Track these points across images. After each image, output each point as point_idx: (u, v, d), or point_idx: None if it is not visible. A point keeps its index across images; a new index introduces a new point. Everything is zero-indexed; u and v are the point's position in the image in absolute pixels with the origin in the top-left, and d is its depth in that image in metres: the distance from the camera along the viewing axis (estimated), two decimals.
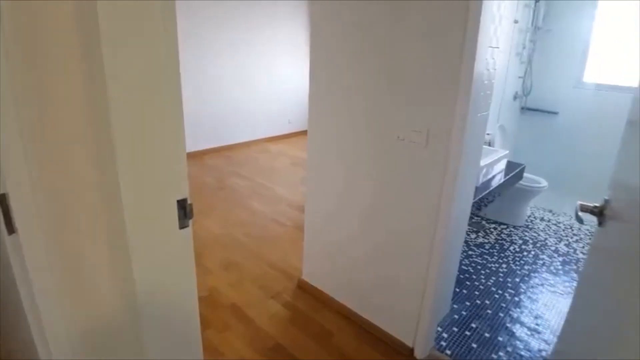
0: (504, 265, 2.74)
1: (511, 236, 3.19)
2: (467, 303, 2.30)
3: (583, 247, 3.05)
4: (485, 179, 2.38)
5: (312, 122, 2.08)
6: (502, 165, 2.55)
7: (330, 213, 2.11)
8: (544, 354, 1.94)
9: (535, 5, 3.36)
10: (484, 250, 2.92)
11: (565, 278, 2.61)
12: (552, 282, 2.56)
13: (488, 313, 2.22)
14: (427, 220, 1.62)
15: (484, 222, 3.39)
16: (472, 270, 2.64)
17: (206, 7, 4.66)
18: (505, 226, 3.33)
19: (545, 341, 2.03)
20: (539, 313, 2.24)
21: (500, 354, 1.93)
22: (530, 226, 3.36)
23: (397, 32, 1.53)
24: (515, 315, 2.22)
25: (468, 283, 2.50)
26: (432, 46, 1.44)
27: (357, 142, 1.83)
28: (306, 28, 5.90)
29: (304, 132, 6.46)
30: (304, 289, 2.41)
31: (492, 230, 3.27)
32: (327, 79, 1.89)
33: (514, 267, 2.72)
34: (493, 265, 2.74)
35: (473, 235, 3.16)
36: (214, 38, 4.86)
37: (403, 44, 1.52)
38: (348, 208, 2.00)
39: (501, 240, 3.11)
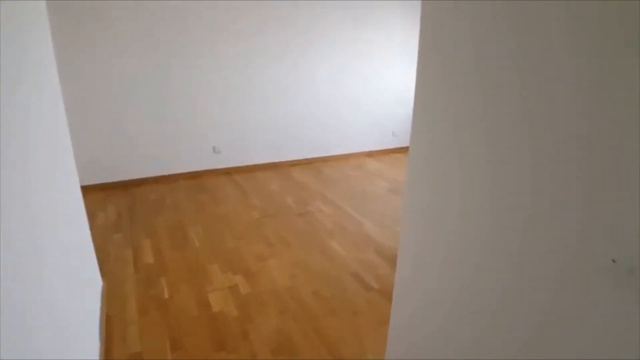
0: None
1: None
2: None
3: None
4: None
5: (416, 162, 1.16)
6: None
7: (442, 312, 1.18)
8: None
9: None
10: None
11: None
12: None
13: None
14: None
15: None
16: None
17: (300, 7, 3.99)
18: None
19: None
20: None
21: None
22: None
23: None
24: None
25: None
26: None
27: (506, 236, 0.87)
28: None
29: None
30: None
31: None
32: (455, 98, 0.97)
33: None
34: None
35: None
36: (310, 41, 4.16)
37: None
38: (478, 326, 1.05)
39: None
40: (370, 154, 5.11)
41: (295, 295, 2.26)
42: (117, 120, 3.52)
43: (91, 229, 2.93)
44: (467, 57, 0.95)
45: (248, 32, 3.80)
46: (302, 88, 4.30)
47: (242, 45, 3.81)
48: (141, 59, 3.43)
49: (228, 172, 4.20)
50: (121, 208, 3.28)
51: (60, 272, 1.45)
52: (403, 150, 5.39)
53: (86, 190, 3.58)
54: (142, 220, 3.08)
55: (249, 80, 3.97)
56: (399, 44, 4.80)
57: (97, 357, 1.72)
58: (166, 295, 2.21)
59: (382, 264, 2.63)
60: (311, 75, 4.31)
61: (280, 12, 3.88)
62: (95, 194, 3.55)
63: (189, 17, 3.49)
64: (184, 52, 3.57)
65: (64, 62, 3.14)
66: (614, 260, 0.66)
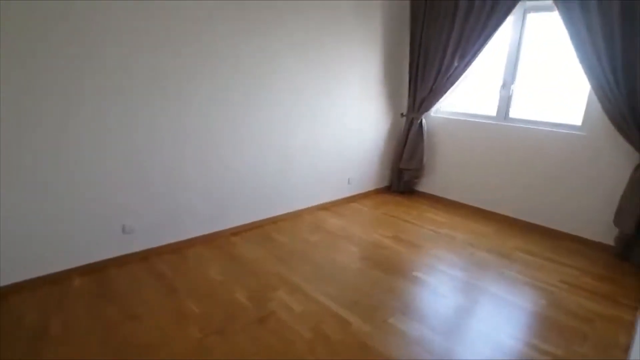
0: None
1: None
2: None
3: None
4: None
5: None
6: None
7: None
8: None
9: None
10: None
11: None
12: None
13: None
14: None
15: None
16: None
17: (243, 45, 3.17)
18: None
19: None
20: None
21: None
22: None
23: None
24: None
25: None
26: None
27: None
28: (378, 58, 4.33)
29: (364, 195, 4.77)
30: None
31: None
32: None
33: None
34: None
35: None
36: (254, 81, 3.33)
37: None
38: None
39: None
40: (326, 207, 4.31)
41: None
42: None
43: None
44: None
45: (174, 68, 2.83)
46: (244, 136, 3.39)
47: (162, 84, 2.82)
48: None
49: (146, 256, 3.06)
50: None
51: None
52: (358, 198, 4.68)
53: None
54: None
55: (171, 131, 2.96)
56: (357, 80, 4.18)
57: None
58: None
59: None
60: (256, 120, 3.42)
61: (217, 48, 2.98)
62: None
63: (82, 45, 2.43)
64: (72, 93, 2.48)
65: None
66: None
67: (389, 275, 2.94)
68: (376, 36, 4.25)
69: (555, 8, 3.36)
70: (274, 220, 3.85)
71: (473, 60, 4.00)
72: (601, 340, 2.28)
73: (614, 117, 3.22)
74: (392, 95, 4.70)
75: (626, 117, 3.14)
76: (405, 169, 4.77)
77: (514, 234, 3.81)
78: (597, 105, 3.33)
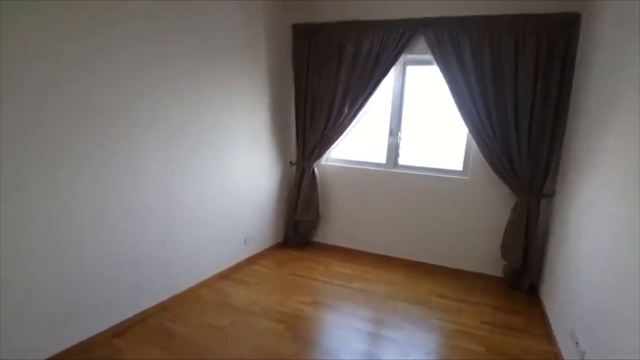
0: None
1: None
2: None
3: None
4: None
5: None
6: None
7: None
8: None
9: None
10: None
11: None
12: None
13: None
14: None
15: None
16: None
17: (113, 86, 2.48)
18: None
19: None
20: None
21: None
22: None
23: None
24: None
25: None
26: None
27: None
28: (265, 107, 4.04)
29: (263, 254, 4.26)
30: None
31: None
32: None
33: None
34: None
35: None
36: (129, 131, 2.62)
37: None
38: None
39: None
40: (225, 275, 3.62)
41: None
42: None
43: None
44: None
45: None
46: (111, 203, 2.52)
47: None
48: None
49: None
50: None
51: None
52: (257, 258, 4.13)
53: None
54: None
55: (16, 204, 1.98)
56: (244, 130, 3.74)
57: None
58: None
59: None
60: (125, 182, 2.61)
61: (88, 90, 2.18)
62: None
63: None
64: None
65: None
66: None
67: (329, 354, 2.51)
68: (264, 84, 3.96)
69: (434, 62, 3.67)
70: (165, 306, 2.99)
71: (362, 108, 4.05)
72: None
73: (492, 161, 3.61)
74: (282, 144, 4.43)
75: (502, 161, 3.55)
76: (301, 221, 4.47)
77: (421, 277, 3.86)
78: (477, 150, 3.69)
